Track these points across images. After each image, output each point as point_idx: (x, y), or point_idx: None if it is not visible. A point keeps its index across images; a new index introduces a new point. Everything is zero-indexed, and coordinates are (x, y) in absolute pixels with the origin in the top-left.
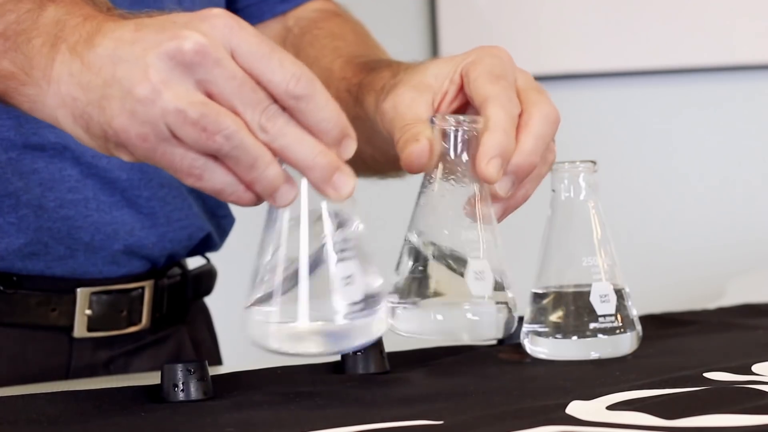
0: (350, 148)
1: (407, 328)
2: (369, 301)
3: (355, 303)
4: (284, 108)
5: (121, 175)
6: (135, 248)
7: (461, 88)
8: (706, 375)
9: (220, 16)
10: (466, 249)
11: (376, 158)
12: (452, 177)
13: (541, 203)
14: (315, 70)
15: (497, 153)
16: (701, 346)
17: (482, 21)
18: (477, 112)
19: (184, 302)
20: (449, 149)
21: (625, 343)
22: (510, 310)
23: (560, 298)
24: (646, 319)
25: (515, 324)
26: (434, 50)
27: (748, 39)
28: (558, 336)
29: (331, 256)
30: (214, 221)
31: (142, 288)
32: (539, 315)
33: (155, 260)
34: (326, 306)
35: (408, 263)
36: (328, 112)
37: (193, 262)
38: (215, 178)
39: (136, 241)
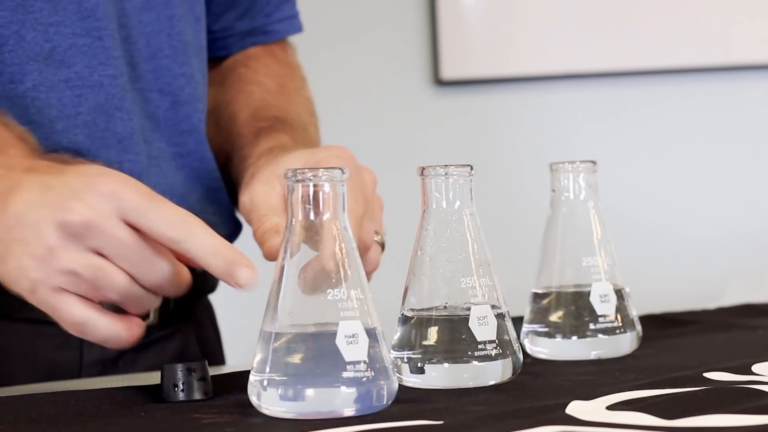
0: (242, 276)
1: (414, 379)
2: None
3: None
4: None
5: None
6: None
7: None
8: (706, 375)
9: (106, 183)
10: (467, 296)
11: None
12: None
13: (541, 203)
14: (226, 115)
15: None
16: (701, 346)
17: (482, 21)
18: None
19: (190, 299)
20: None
21: (625, 343)
22: (515, 352)
23: (560, 298)
24: (646, 319)
25: (521, 365)
26: (434, 49)
27: (747, 39)
28: (558, 336)
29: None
30: (228, 226)
31: None
32: (539, 315)
33: None
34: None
35: (409, 316)
36: (210, 247)
37: None
38: (97, 332)
39: None
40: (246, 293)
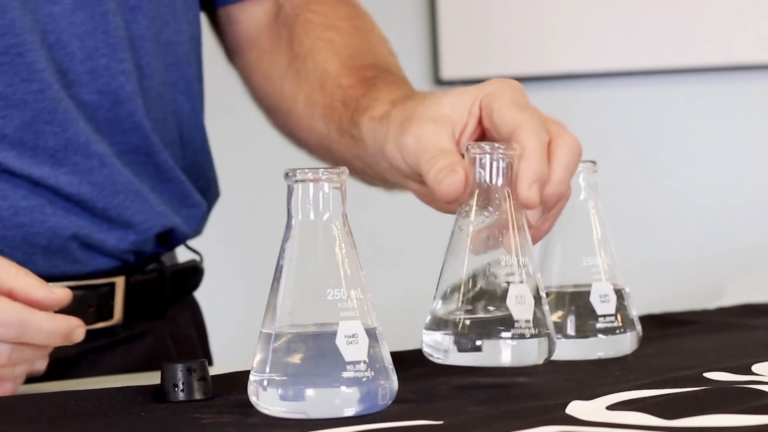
0: (77, 338)
1: (451, 356)
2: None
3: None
4: None
5: (71, 191)
6: (96, 248)
7: (480, 121)
8: (706, 375)
9: None
10: (506, 274)
11: (366, 171)
12: (489, 205)
13: None
14: (310, 65)
15: (536, 179)
16: (701, 346)
17: (482, 21)
18: (498, 141)
19: (162, 299)
20: (485, 177)
21: (625, 343)
22: (550, 335)
23: (560, 298)
24: (646, 319)
25: (555, 349)
26: (434, 49)
27: (747, 40)
28: (558, 336)
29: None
30: (182, 212)
31: (113, 284)
32: None
33: (122, 257)
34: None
35: (447, 290)
36: (45, 333)
37: (183, 256)
38: None
39: (96, 242)
40: (236, 295)
